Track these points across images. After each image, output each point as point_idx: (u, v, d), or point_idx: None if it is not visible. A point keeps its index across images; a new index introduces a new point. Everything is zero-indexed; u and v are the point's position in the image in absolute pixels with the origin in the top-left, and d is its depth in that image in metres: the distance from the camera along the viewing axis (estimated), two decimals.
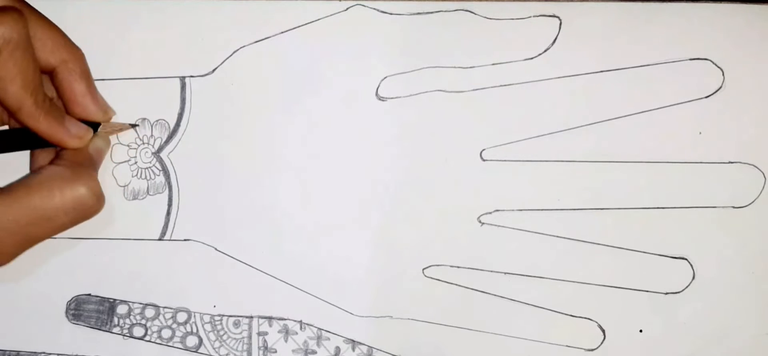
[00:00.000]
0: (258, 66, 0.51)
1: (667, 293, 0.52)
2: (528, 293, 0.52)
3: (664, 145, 0.52)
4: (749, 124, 0.52)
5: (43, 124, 0.44)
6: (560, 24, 0.52)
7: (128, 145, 0.51)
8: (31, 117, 0.43)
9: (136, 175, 0.51)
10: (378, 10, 0.52)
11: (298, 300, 0.52)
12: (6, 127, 0.46)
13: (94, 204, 0.44)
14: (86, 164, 0.45)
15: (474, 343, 0.52)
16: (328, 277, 0.52)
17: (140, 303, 0.51)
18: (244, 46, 0.51)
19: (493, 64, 0.52)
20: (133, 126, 0.50)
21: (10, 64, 0.41)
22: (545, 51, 0.52)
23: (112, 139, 0.50)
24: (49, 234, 0.43)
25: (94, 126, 0.46)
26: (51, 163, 0.45)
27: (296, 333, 0.52)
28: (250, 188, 0.51)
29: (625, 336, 0.52)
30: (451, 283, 0.52)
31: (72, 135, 0.45)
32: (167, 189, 0.51)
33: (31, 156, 0.47)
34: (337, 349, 0.52)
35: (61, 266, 0.51)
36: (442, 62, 0.52)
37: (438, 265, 0.52)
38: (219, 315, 0.52)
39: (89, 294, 0.51)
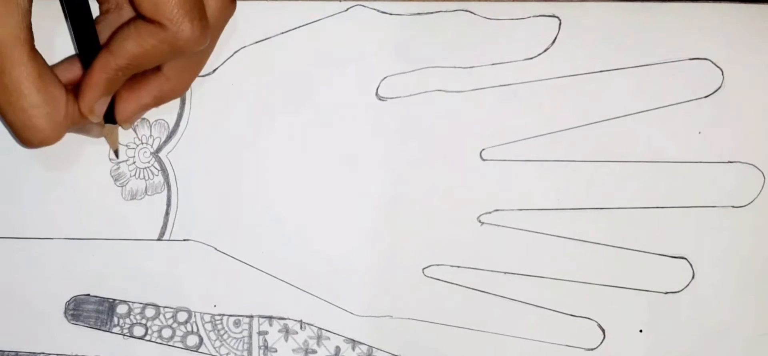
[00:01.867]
0: (258, 66, 0.51)
1: (667, 293, 0.52)
2: (528, 293, 0.52)
3: (664, 145, 0.52)
4: (749, 124, 0.52)
5: (95, 75, 0.43)
6: (560, 24, 0.52)
7: (127, 145, 0.51)
8: (104, 64, 0.43)
9: (135, 174, 0.51)
10: (378, 11, 0.52)
11: (298, 300, 0.52)
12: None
13: (40, 135, 0.43)
14: (74, 119, 0.44)
15: (474, 343, 0.52)
16: (328, 277, 0.52)
17: (140, 303, 0.51)
18: (244, 46, 0.51)
19: (493, 64, 0.52)
20: (116, 153, 0.51)
21: (156, 48, 0.42)
22: (545, 51, 0.52)
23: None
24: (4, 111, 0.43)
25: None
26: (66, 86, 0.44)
27: (296, 333, 0.52)
28: (250, 188, 0.51)
29: (625, 336, 0.52)
30: (451, 283, 0.52)
31: (90, 104, 0.44)
32: (166, 189, 0.51)
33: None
34: (337, 349, 0.52)
35: (60, 266, 0.51)
36: (442, 62, 0.52)
37: (438, 265, 0.52)
38: (219, 315, 0.52)
39: (88, 295, 0.51)
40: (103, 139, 0.49)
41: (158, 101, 0.47)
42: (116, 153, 0.50)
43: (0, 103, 0.42)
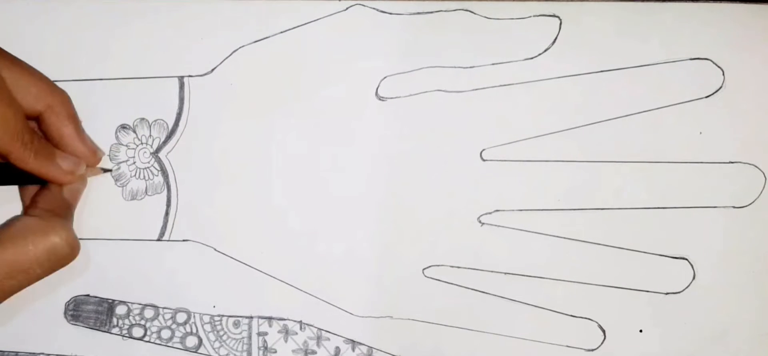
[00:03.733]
0: (258, 66, 0.51)
1: (667, 293, 0.52)
2: (528, 293, 0.52)
3: (664, 145, 0.52)
4: (749, 124, 0.52)
5: (33, 164, 0.44)
6: (560, 24, 0.52)
7: (126, 145, 0.51)
8: (21, 160, 0.43)
9: (135, 175, 0.51)
10: (378, 10, 0.52)
11: (298, 300, 0.52)
12: None
13: (68, 253, 0.44)
14: (59, 211, 0.46)
15: (474, 343, 0.52)
16: (328, 277, 0.52)
17: (139, 304, 0.51)
18: (243, 46, 0.51)
19: (493, 64, 0.52)
20: (107, 170, 0.51)
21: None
22: (545, 51, 0.52)
23: (111, 139, 0.50)
24: (25, 285, 0.43)
25: None
26: (25, 212, 0.45)
27: (296, 334, 0.52)
28: (249, 188, 0.51)
29: (625, 336, 0.52)
30: (451, 283, 0.52)
31: (63, 170, 0.45)
32: (166, 189, 0.51)
33: (21, 190, 0.47)
34: (337, 349, 0.52)
35: None
36: (442, 62, 0.52)
37: (438, 265, 0.52)
38: (219, 316, 0.51)
39: (88, 295, 0.51)
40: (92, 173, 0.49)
41: (71, 119, 0.47)
42: (106, 170, 0.51)
43: (33, 277, 0.44)
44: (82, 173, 0.47)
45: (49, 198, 0.46)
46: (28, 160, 0.44)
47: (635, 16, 0.52)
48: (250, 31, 0.51)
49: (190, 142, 0.51)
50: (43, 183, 0.46)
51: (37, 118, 0.46)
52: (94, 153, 0.48)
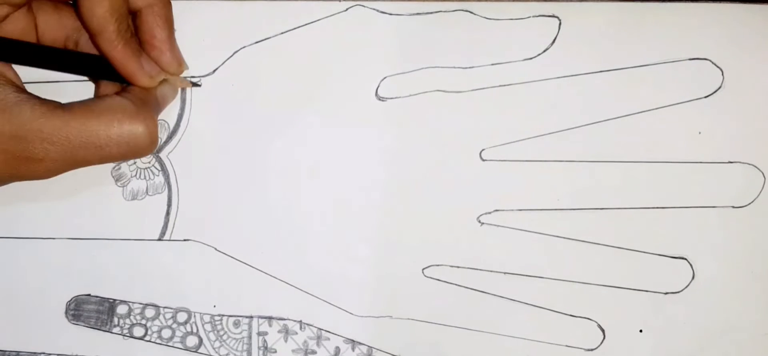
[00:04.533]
0: (258, 66, 0.51)
1: (667, 293, 0.52)
2: (528, 293, 0.52)
3: (664, 145, 0.52)
4: (749, 124, 0.52)
5: (119, 53, 0.44)
6: (560, 24, 0.52)
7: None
8: (110, 43, 0.43)
9: (136, 175, 0.51)
10: (378, 11, 0.52)
11: (298, 300, 0.52)
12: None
13: (148, 145, 0.44)
14: (151, 104, 0.45)
15: (474, 343, 0.52)
16: (328, 277, 0.52)
17: (140, 303, 0.51)
18: (244, 47, 0.51)
19: (493, 64, 0.52)
20: (196, 84, 0.50)
21: None
22: (545, 51, 0.52)
23: None
24: (96, 161, 0.43)
25: None
26: (117, 93, 0.45)
27: (296, 333, 0.52)
28: (250, 188, 0.51)
29: (625, 336, 0.52)
30: (451, 283, 0.52)
31: (144, 71, 0.45)
32: (167, 189, 0.51)
33: (96, 86, 0.47)
34: (337, 349, 0.52)
35: (60, 266, 0.51)
36: (442, 62, 0.52)
37: (438, 265, 0.52)
38: (219, 315, 0.52)
39: (89, 295, 0.51)
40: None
41: (168, 23, 0.47)
42: (195, 84, 0.50)
43: (103, 158, 0.43)
44: (158, 80, 0.46)
45: (142, 89, 0.45)
46: (116, 46, 0.43)
47: (635, 16, 0.52)
48: (250, 32, 0.51)
49: (191, 142, 0.51)
50: (120, 81, 0.45)
51: (134, 13, 0.45)
52: (180, 64, 0.47)
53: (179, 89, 0.50)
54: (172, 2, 0.48)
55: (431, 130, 0.52)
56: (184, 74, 0.49)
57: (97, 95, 0.47)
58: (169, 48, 0.46)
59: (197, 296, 0.52)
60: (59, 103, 0.42)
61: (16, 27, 0.45)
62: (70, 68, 0.45)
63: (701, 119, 0.52)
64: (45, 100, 0.42)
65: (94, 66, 0.45)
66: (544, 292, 0.52)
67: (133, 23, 0.46)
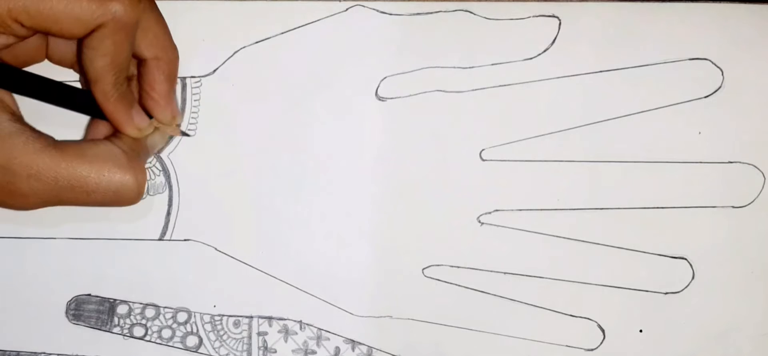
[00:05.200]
0: (258, 66, 0.51)
1: (667, 293, 0.52)
2: (528, 293, 0.52)
3: (663, 145, 0.52)
4: (749, 124, 0.52)
5: (111, 105, 0.44)
6: (560, 24, 0.52)
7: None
8: (104, 94, 0.43)
9: None
10: (378, 11, 0.52)
11: (298, 300, 0.52)
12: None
13: (135, 195, 0.44)
14: (140, 153, 0.45)
15: (474, 343, 0.52)
16: (328, 277, 0.52)
17: (140, 303, 0.51)
18: (244, 47, 0.51)
19: (493, 64, 0.52)
20: (186, 134, 0.51)
21: (108, 41, 0.41)
22: (545, 51, 0.52)
23: None
24: (80, 204, 0.43)
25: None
26: (109, 138, 0.45)
27: (296, 333, 0.52)
28: (251, 188, 0.51)
29: (625, 336, 0.52)
30: (451, 283, 0.52)
31: (133, 125, 0.45)
32: (167, 189, 0.51)
33: (89, 121, 0.47)
34: (337, 349, 0.52)
35: (61, 266, 0.51)
36: (442, 62, 0.52)
37: (438, 265, 0.52)
38: (219, 315, 0.52)
39: (89, 295, 0.51)
40: None
41: (171, 79, 0.46)
42: (184, 134, 0.51)
43: (88, 202, 0.43)
44: (146, 134, 0.46)
45: (134, 139, 0.46)
46: (109, 98, 0.43)
47: (634, 16, 0.52)
48: (251, 32, 0.51)
49: (191, 142, 0.51)
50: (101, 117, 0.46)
51: (139, 61, 0.46)
52: (174, 117, 0.47)
53: (168, 136, 0.50)
54: (172, 2, 0.49)
55: (431, 130, 0.52)
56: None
57: (90, 131, 0.47)
58: (167, 103, 0.46)
59: (197, 296, 0.52)
60: (53, 140, 0.42)
61: (29, 46, 0.45)
62: (66, 104, 0.45)
63: (701, 119, 0.52)
64: (39, 134, 0.42)
65: (90, 105, 0.45)
66: (544, 292, 0.52)
67: (137, 68, 0.46)
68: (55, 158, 0.42)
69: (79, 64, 0.45)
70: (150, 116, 0.46)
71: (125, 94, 0.44)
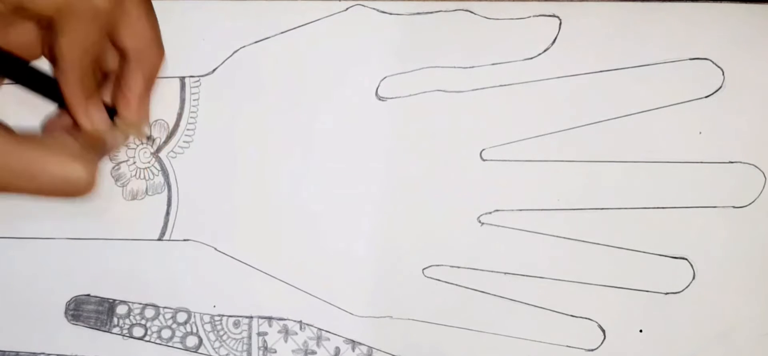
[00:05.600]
0: (258, 66, 0.51)
1: (667, 293, 0.52)
2: (528, 293, 0.52)
3: (664, 145, 0.52)
4: (749, 124, 0.52)
5: (68, 89, 0.43)
6: (560, 24, 0.52)
7: (127, 145, 0.51)
8: (64, 77, 0.42)
9: (135, 175, 0.51)
10: (378, 10, 0.52)
11: (298, 300, 0.52)
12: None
13: (81, 189, 0.42)
14: (97, 147, 0.44)
15: (474, 343, 0.52)
16: (328, 277, 0.52)
17: (140, 304, 0.51)
18: (244, 46, 0.51)
19: (493, 64, 0.52)
20: (151, 138, 0.50)
21: (80, 26, 0.40)
22: (545, 51, 0.52)
23: None
24: (25, 191, 0.42)
25: (111, 112, 0.46)
26: (66, 130, 0.44)
27: (296, 334, 0.52)
28: (250, 188, 0.51)
29: (625, 336, 0.52)
30: (451, 283, 0.52)
31: (87, 116, 0.44)
32: (166, 189, 0.51)
33: (58, 113, 0.47)
34: (337, 349, 0.52)
35: (60, 266, 0.51)
36: (442, 62, 0.52)
37: (438, 265, 0.52)
38: (219, 315, 0.52)
39: (88, 295, 0.51)
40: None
41: (148, 80, 0.46)
42: (149, 139, 0.50)
43: (34, 189, 0.43)
44: (99, 132, 0.45)
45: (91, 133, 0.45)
46: (68, 81, 0.42)
47: (635, 16, 0.52)
48: (250, 32, 0.51)
49: (190, 142, 0.51)
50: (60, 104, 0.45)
51: (121, 53, 0.45)
52: (142, 123, 0.46)
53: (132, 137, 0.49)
54: (173, 2, 0.49)
55: (431, 130, 0.52)
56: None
57: (50, 122, 0.47)
58: (139, 105, 0.45)
59: (197, 296, 0.52)
60: (9, 128, 0.42)
61: (22, 37, 0.44)
62: (30, 85, 0.45)
63: (701, 119, 0.52)
64: None
65: (49, 89, 0.44)
66: (544, 292, 0.52)
67: (119, 63, 0.45)
68: (10, 143, 0.40)
69: (48, 48, 0.44)
70: (114, 113, 0.45)
71: (86, 82, 0.43)
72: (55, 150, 0.42)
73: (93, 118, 0.44)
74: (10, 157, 0.41)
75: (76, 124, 0.44)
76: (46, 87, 0.44)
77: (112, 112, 0.45)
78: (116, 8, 0.41)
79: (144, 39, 0.44)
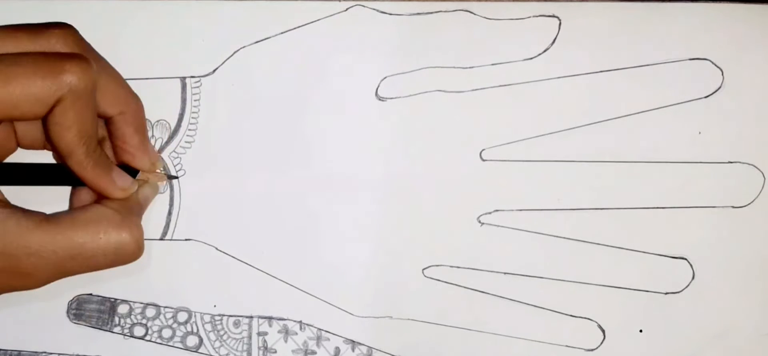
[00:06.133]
0: (258, 66, 0.51)
1: (667, 293, 0.52)
2: (528, 293, 0.52)
3: (664, 145, 0.52)
4: (749, 124, 0.52)
5: (90, 173, 0.43)
6: (560, 24, 0.52)
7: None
8: (80, 165, 0.43)
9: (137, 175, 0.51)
10: (378, 10, 0.52)
11: (298, 300, 0.52)
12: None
13: (134, 252, 0.44)
14: (134, 210, 0.45)
15: (474, 343, 0.52)
16: (328, 277, 0.52)
17: (141, 303, 0.52)
18: (244, 47, 0.51)
19: (493, 64, 0.52)
20: (172, 177, 0.51)
21: (71, 113, 0.41)
22: (545, 51, 0.52)
23: None
24: (84, 271, 0.43)
25: (133, 171, 0.46)
26: (98, 201, 0.45)
27: (296, 334, 0.52)
28: (251, 188, 0.51)
29: (625, 336, 0.52)
30: (451, 283, 0.52)
31: (117, 187, 0.45)
32: (168, 189, 0.51)
33: (72, 190, 0.47)
34: (337, 349, 0.52)
35: None
36: (442, 62, 0.52)
37: (438, 265, 0.52)
38: (219, 315, 0.52)
39: (90, 294, 0.52)
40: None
41: (140, 129, 0.46)
42: (171, 178, 0.51)
43: (92, 268, 0.43)
44: (132, 191, 0.46)
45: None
46: (86, 167, 0.43)
47: (635, 16, 0.52)
48: (250, 32, 0.51)
49: (192, 142, 0.51)
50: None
51: (106, 120, 0.46)
52: (154, 163, 0.48)
53: (160, 184, 0.49)
54: (173, 2, 0.49)
55: (431, 130, 0.52)
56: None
57: (74, 199, 0.47)
58: (143, 152, 0.46)
59: (198, 296, 0.52)
60: (44, 215, 0.42)
61: None
62: (45, 181, 0.45)
63: (701, 119, 0.52)
64: (29, 212, 0.42)
65: (69, 177, 0.45)
66: (544, 292, 0.52)
67: (106, 127, 0.46)
68: (50, 232, 0.42)
69: (49, 142, 0.45)
70: (132, 171, 0.46)
71: (101, 160, 0.44)
72: (98, 225, 0.43)
73: (121, 185, 0.45)
74: (61, 245, 0.42)
75: (100, 194, 0.45)
76: (58, 176, 0.45)
77: (129, 170, 0.46)
78: (96, 83, 0.42)
79: (122, 98, 0.45)
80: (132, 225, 0.43)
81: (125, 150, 0.46)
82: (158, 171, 0.48)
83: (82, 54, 0.41)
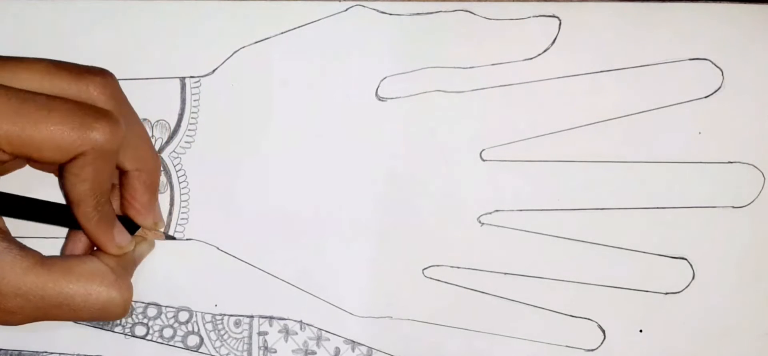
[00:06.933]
0: (258, 66, 0.51)
1: (667, 293, 0.52)
2: (528, 293, 0.52)
3: (664, 145, 0.52)
4: (749, 124, 0.52)
5: (93, 227, 0.44)
6: (560, 24, 0.52)
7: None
8: (85, 216, 0.43)
9: None
10: (378, 11, 0.52)
11: (298, 300, 0.52)
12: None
13: (121, 312, 0.44)
14: (127, 268, 0.46)
15: (474, 343, 0.52)
16: (328, 277, 0.52)
17: (142, 302, 0.52)
18: (244, 47, 0.51)
19: (493, 64, 0.52)
20: (171, 237, 0.51)
21: (89, 168, 0.41)
22: (545, 51, 0.52)
23: None
24: (67, 319, 0.44)
25: (132, 226, 0.47)
26: (94, 253, 0.45)
27: (296, 334, 0.52)
28: (251, 188, 0.51)
29: (625, 336, 0.52)
30: (451, 283, 0.52)
31: (114, 244, 0.45)
32: (168, 189, 0.51)
33: (70, 230, 0.47)
34: (337, 349, 0.52)
35: None
36: (442, 62, 0.52)
37: (438, 265, 0.52)
38: (220, 315, 0.52)
39: None
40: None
41: (151, 188, 0.47)
42: (168, 237, 0.51)
43: (74, 318, 0.44)
44: (127, 251, 0.47)
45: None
46: (91, 220, 0.44)
47: (635, 17, 0.52)
48: (250, 32, 0.51)
49: (192, 142, 0.51)
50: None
51: (122, 171, 0.46)
52: (156, 223, 0.48)
53: (154, 240, 0.50)
54: (173, 2, 0.49)
55: (431, 130, 0.52)
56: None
57: (71, 242, 0.47)
58: (149, 211, 0.47)
59: (199, 295, 0.52)
60: (40, 257, 0.43)
61: (11, 162, 0.45)
62: (47, 220, 0.45)
63: (701, 119, 0.52)
64: (26, 251, 0.42)
65: (72, 221, 0.45)
66: (544, 292, 0.52)
67: (119, 177, 0.46)
68: (42, 277, 0.42)
69: (60, 184, 0.45)
70: (131, 226, 0.46)
71: (106, 215, 0.44)
72: (91, 280, 0.43)
73: (119, 243, 0.45)
74: (51, 293, 0.42)
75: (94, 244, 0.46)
76: (60, 217, 0.45)
77: (130, 226, 0.47)
78: (121, 145, 0.42)
79: (143, 156, 0.45)
80: (122, 286, 0.44)
81: (132, 205, 0.46)
82: (159, 231, 0.48)
83: (113, 113, 0.41)
